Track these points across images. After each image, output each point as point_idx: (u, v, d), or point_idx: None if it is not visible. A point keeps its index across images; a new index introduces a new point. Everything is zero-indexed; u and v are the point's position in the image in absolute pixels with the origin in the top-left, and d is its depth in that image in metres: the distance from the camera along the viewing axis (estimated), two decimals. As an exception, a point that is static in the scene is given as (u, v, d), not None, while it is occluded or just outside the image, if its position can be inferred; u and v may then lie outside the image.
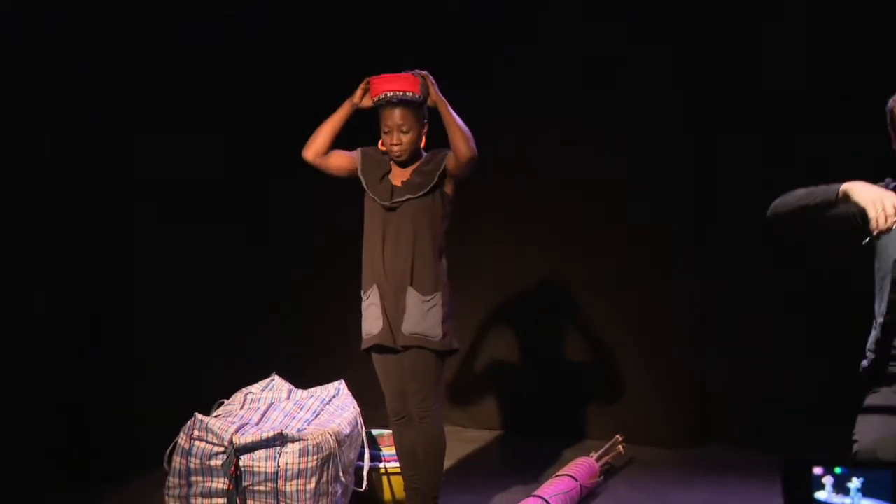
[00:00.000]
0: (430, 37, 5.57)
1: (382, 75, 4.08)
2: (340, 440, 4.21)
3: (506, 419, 5.84)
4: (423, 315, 4.04)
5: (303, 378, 4.72)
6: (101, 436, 5.12)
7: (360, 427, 4.44)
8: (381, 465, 4.53)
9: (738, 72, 5.30)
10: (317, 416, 4.39)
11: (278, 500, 4.08)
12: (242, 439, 4.08)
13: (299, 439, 4.10)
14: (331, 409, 4.45)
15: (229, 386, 4.62)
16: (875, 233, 2.92)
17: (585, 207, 5.62)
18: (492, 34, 5.67)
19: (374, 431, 4.68)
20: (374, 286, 4.13)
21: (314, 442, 4.11)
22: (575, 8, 5.52)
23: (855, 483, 2.10)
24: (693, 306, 5.55)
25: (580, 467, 4.65)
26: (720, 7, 5.30)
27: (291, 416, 4.38)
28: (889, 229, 2.91)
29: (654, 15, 5.37)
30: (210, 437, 4.11)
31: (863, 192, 2.97)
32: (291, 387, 4.59)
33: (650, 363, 5.54)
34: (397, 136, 4.07)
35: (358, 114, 4.19)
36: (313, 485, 4.09)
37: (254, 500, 4.10)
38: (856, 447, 3.07)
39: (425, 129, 4.13)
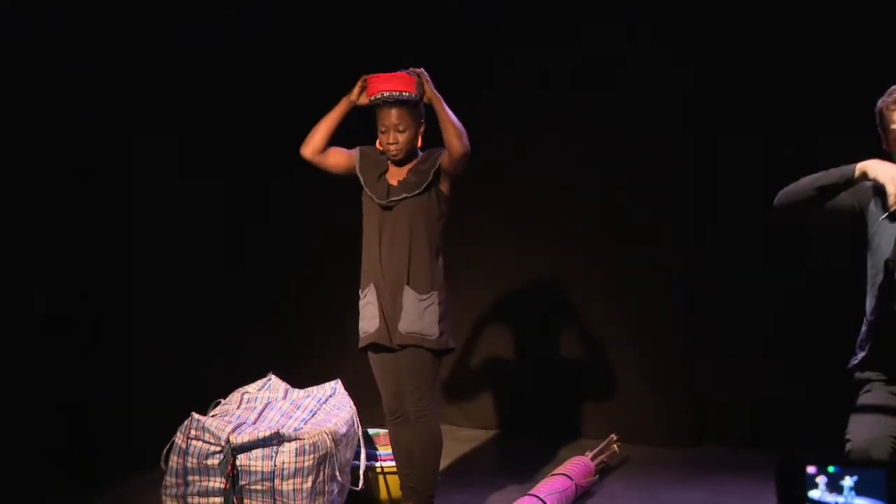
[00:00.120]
0: (430, 37, 5.55)
1: (379, 74, 4.07)
2: (337, 439, 4.20)
3: (502, 418, 5.83)
4: (419, 314, 4.03)
5: (299, 377, 4.71)
6: (99, 435, 5.11)
7: (356, 426, 4.44)
8: (378, 464, 4.53)
9: (738, 72, 5.28)
10: (313, 416, 4.38)
11: (275, 500, 4.07)
12: (239, 439, 4.07)
13: (296, 438, 4.09)
14: (327, 408, 4.44)
15: (226, 385, 4.62)
16: (893, 208, 2.96)
17: (583, 207, 5.60)
18: (492, 34, 5.65)
19: (371, 431, 4.67)
20: (372, 285, 4.13)
21: (311, 441, 4.11)
22: (575, 8, 5.50)
23: (848, 482, 2.09)
24: (689, 306, 5.54)
25: (575, 466, 4.64)
26: (720, 7, 5.28)
27: (288, 415, 4.37)
28: None
29: (654, 15, 5.35)
30: (207, 437, 4.10)
31: (880, 169, 3.02)
32: (288, 386, 4.59)
33: (645, 363, 5.53)
34: (393, 135, 4.07)
35: (356, 112, 4.18)
36: (310, 484, 4.08)
37: (250, 500, 4.09)
38: (849, 446, 3.07)
39: (422, 129, 4.12)
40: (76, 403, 5.21)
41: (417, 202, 4.07)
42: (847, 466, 2.09)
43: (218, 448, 4.08)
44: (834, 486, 2.10)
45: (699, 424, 5.55)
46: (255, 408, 4.42)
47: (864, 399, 3.18)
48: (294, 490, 4.07)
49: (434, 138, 4.15)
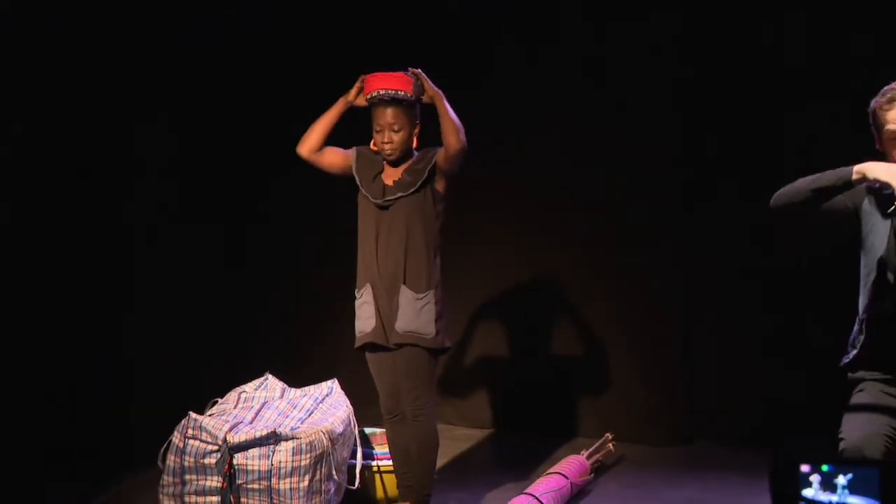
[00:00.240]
0: (430, 36, 5.55)
1: (376, 74, 4.07)
2: (333, 439, 4.20)
3: (498, 417, 5.83)
4: (416, 313, 4.03)
5: (296, 377, 4.70)
6: (97, 434, 5.09)
7: (352, 426, 4.43)
8: (374, 463, 4.52)
9: (737, 72, 5.28)
10: (310, 415, 4.38)
11: (272, 498, 4.07)
12: (236, 438, 4.07)
13: (293, 438, 4.09)
14: (324, 407, 4.44)
15: (223, 385, 4.61)
16: None
17: (580, 208, 5.60)
18: (491, 33, 5.65)
19: (367, 430, 4.66)
20: (368, 285, 4.13)
21: (307, 440, 4.10)
22: (575, 8, 5.49)
23: (842, 480, 2.09)
24: (684, 306, 5.54)
25: (571, 465, 4.64)
26: (719, 7, 5.28)
27: (285, 414, 4.37)
28: None
29: (654, 15, 5.35)
30: (204, 436, 4.10)
31: (879, 169, 3.00)
32: (285, 386, 4.58)
33: (640, 362, 5.53)
34: (388, 134, 4.07)
35: (353, 112, 4.18)
36: (306, 483, 4.08)
37: (247, 498, 4.09)
38: (842, 445, 3.06)
39: (417, 129, 4.12)
40: (74, 402, 5.19)
41: (413, 201, 4.06)
42: (841, 465, 2.09)
43: (215, 447, 4.08)
44: (828, 485, 2.10)
45: (694, 423, 5.56)
46: (252, 407, 4.41)
47: (857, 398, 3.18)
48: (291, 489, 4.07)
49: (430, 139, 4.15)
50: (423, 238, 4.07)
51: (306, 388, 4.56)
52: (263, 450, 4.07)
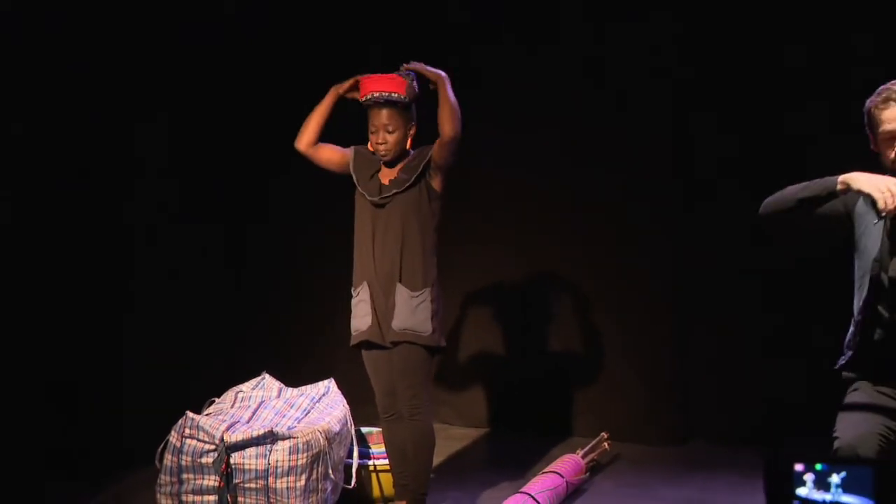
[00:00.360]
0: (429, 36, 5.53)
1: (371, 75, 4.06)
2: (330, 438, 4.19)
3: (493, 416, 5.82)
4: (412, 311, 4.02)
5: (293, 376, 4.69)
6: (95, 434, 5.08)
7: (349, 425, 4.42)
8: (370, 462, 4.51)
9: (737, 72, 5.26)
10: (307, 414, 4.37)
11: (269, 498, 4.05)
12: (233, 437, 4.05)
13: (289, 437, 4.08)
14: (321, 407, 4.42)
15: (220, 384, 4.59)
16: (884, 214, 2.95)
17: (578, 207, 5.58)
18: (492, 34, 5.62)
19: (364, 429, 4.66)
20: (364, 283, 4.12)
21: (304, 440, 4.09)
22: (575, 8, 5.47)
23: (835, 479, 2.08)
24: (678, 306, 5.53)
25: (566, 464, 4.63)
26: (719, 7, 5.27)
27: (282, 414, 4.36)
28: None
29: (654, 15, 5.33)
30: (201, 435, 4.08)
31: (863, 180, 3.00)
32: (282, 385, 4.57)
33: (636, 362, 5.51)
34: (383, 135, 4.06)
35: (352, 112, 4.15)
36: (303, 482, 4.07)
37: (244, 497, 4.07)
38: (836, 444, 3.05)
39: (412, 131, 4.11)
40: (71, 402, 5.18)
41: (409, 200, 4.05)
42: (834, 464, 2.09)
43: (212, 446, 4.06)
44: (821, 484, 2.10)
45: (689, 422, 5.54)
46: (249, 406, 4.40)
47: (851, 397, 3.17)
48: (288, 488, 4.05)
49: (426, 139, 4.13)
50: (419, 236, 4.06)
51: (303, 388, 4.55)
52: (260, 449, 4.06)
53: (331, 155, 4.19)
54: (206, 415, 4.30)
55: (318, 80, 4.23)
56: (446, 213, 4.19)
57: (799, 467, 2.11)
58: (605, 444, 5.03)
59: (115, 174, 5.47)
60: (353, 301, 4.17)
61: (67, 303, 5.24)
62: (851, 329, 3.22)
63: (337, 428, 4.27)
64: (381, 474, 4.48)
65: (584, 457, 4.80)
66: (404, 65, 4.08)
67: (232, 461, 4.04)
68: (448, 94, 4.00)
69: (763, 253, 5.09)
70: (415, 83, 4.05)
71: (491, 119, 5.53)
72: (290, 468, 4.05)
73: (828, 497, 2.08)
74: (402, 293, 4.03)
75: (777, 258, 5.08)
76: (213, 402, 4.48)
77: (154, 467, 4.15)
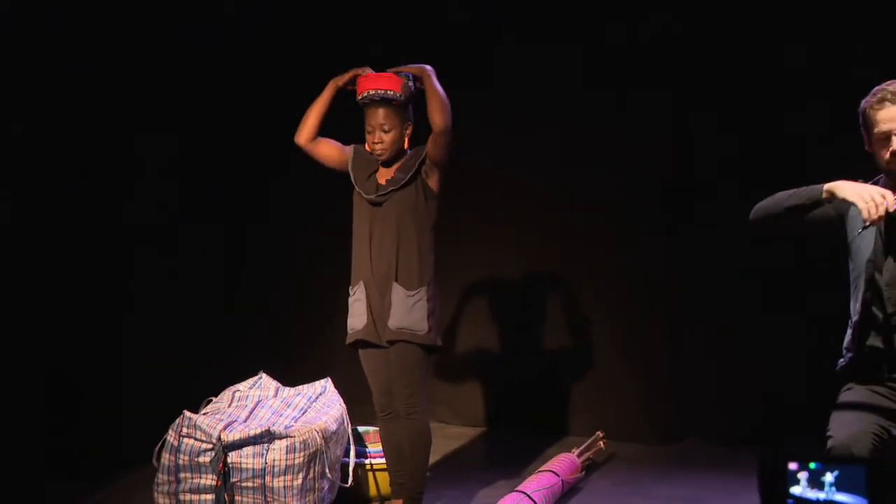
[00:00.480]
0: (428, 36, 5.52)
1: (368, 74, 4.04)
2: (327, 437, 4.17)
3: (490, 415, 5.80)
4: (408, 310, 4.00)
5: (292, 376, 4.67)
6: (92, 433, 5.06)
7: (346, 424, 4.40)
8: (367, 461, 4.49)
9: (737, 72, 5.23)
10: (304, 414, 4.35)
11: (266, 497, 4.03)
12: (230, 436, 4.03)
13: (286, 436, 4.06)
14: (317, 406, 4.41)
15: (220, 384, 4.58)
16: (868, 223, 2.94)
17: (574, 207, 5.56)
18: (492, 34, 5.60)
19: (360, 428, 4.64)
20: (361, 282, 4.10)
21: (301, 439, 4.07)
22: (574, 8, 5.44)
23: (829, 478, 2.07)
24: (675, 306, 5.51)
25: (562, 463, 4.61)
26: (718, 7, 5.24)
27: (279, 413, 4.34)
28: (881, 218, 2.93)
29: (654, 15, 5.30)
30: (198, 434, 4.07)
31: (848, 189, 3.00)
32: (279, 384, 4.55)
33: (631, 361, 5.50)
34: (379, 135, 4.04)
35: (351, 112, 4.14)
36: (300, 481, 4.05)
37: (242, 496, 4.05)
38: (830, 443, 3.03)
39: (409, 130, 4.09)
40: (72, 402, 5.16)
41: (405, 199, 4.03)
42: (828, 463, 2.08)
43: (209, 446, 4.04)
44: (815, 482, 2.09)
45: (684, 422, 5.52)
46: (246, 406, 4.38)
47: (845, 396, 3.15)
48: (284, 487, 4.03)
49: (423, 140, 4.11)
50: (416, 236, 4.04)
51: (300, 387, 4.53)
52: (257, 448, 4.04)
53: (330, 151, 4.17)
54: (204, 414, 4.28)
55: (317, 80, 4.22)
56: (444, 212, 4.17)
57: (793, 466, 2.10)
58: (601, 442, 5.01)
59: (115, 174, 5.46)
60: (350, 300, 4.16)
61: (67, 303, 5.23)
62: (849, 331, 3.20)
63: (334, 427, 4.25)
64: (377, 473, 4.47)
65: (579, 456, 4.79)
66: (404, 67, 4.06)
67: (229, 460, 4.02)
68: (434, 85, 3.98)
69: (762, 253, 5.06)
70: (411, 82, 4.03)
71: (491, 119, 5.52)
72: (287, 467, 4.03)
73: (822, 496, 2.07)
74: (398, 292, 4.01)
75: (776, 258, 5.05)
76: (211, 401, 4.46)
77: (151, 466, 4.13)
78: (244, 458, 4.03)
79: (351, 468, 4.34)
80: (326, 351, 5.47)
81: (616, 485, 4.81)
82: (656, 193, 5.41)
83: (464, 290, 5.71)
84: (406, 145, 4.10)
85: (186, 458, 4.05)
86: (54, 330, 5.16)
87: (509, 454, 5.20)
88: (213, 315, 5.78)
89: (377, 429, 4.35)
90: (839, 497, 2.06)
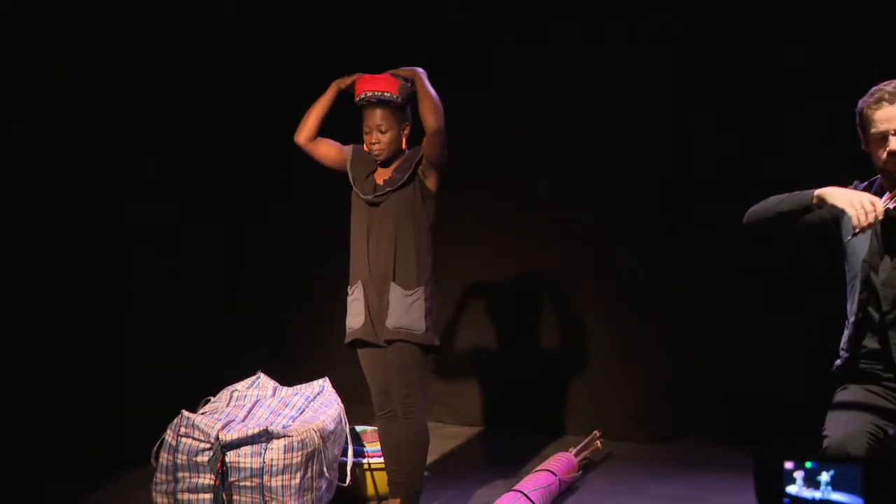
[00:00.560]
0: (430, 36, 5.51)
1: (365, 76, 4.03)
2: (325, 436, 4.15)
3: (487, 415, 5.79)
4: (405, 309, 3.99)
5: (292, 376, 4.65)
6: (91, 432, 5.04)
7: (343, 423, 4.39)
8: (365, 460, 4.48)
9: (736, 72, 5.21)
10: (301, 413, 4.34)
11: (264, 496, 4.01)
12: (228, 436, 4.02)
13: (284, 436, 4.04)
14: (315, 405, 4.39)
15: (217, 384, 4.56)
16: (857, 230, 2.93)
17: (574, 207, 5.54)
18: (492, 34, 5.58)
19: (358, 428, 4.62)
20: (359, 282, 4.10)
21: (299, 438, 4.05)
22: (575, 8, 5.42)
23: (825, 477, 2.06)
24: (669, 306, 5.49)
25: (559, 462, 4.60)
26: (718, 8, 5.22)
27: (277, 412, 4.32)
28: (870, 225, 2.92)
29: (654, 15, 5.29)
30: (197, 434, 4.05)
31: (838, 195, 2.99)
32: (277, 384, 4.54)
33: (628, 361, 5.49)
34: (376, 135, 4.04)
35: (350, 112, 4.13)
36: (298, 480, 4.03)
37: (240, 496, 4.04)
38: (826, 442, 3.02)
39: (407, 131, 4.08)
40: (72, 402, 5.15)
41: (403, 199, 4.02)
42: (824, 462, 2.06)
43: (207, 445, 4.03)
44: (811, 482, 2.07)
45: (680, 421, 5.51)
46: (244, 405, 4.37)
47: (841, 396, 3.14)
48: (282, 486, 4.01)
49: (421, 141, 4.09)
50: (413, 236, 4.03)
51: (298, 387, 4.52)
52: (255, 447, 4.03)
53: (329, 151, 4.17)
54: (202, 413, 4.27)
55: (317, 81, 4.21)
56: (443, 212, 4.16)
57: (789, 465, 2.08)
58: (598, 442, 5.01)
59: (115, 174, 5.44)
60: (349, 300, 4.15)
61: (67, 303, 5.21)
62: (845, 332, 3.19)
63: (331, 426, 4.24)
64: (375, 472, 4.46)
65: (576, 455, 4.77)
66: (401, 69, 4.05)
67: (227, 459, 4.01)
68: (426, 87, 3.98)
69: (761, 253, 5.04)
70: (409, 83, 4.02)
71: (491, 118, 5.50)
72: (284, 466, 4.01)
73: (817, 495, 2.05)
74: (395, 292, 4.00)
75: (774, 258, 5.04)
76: (209, 400, 4.45)
77: (150, 466, 4.12)
78: (242, 458, 4.02)
79: (349, 467, 4.32)
80: (325, 351, 5.45)
81: (613, 484, 4.80)
82: (656, 193, 5.40)
83: (462, 290, 5.70)
84: (404, 146, 4.09)
85: (185, 457, 4.04)
86: (54, 330, 5.14)
87: (507, 454, 5.19)
88: (212, 315, 5.76)
89: (375, 428, 4.34)
90: (835, 496, 2.04)
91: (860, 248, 3.11)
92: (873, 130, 3.09)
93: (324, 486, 4.17)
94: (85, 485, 4.68)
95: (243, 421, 4.22)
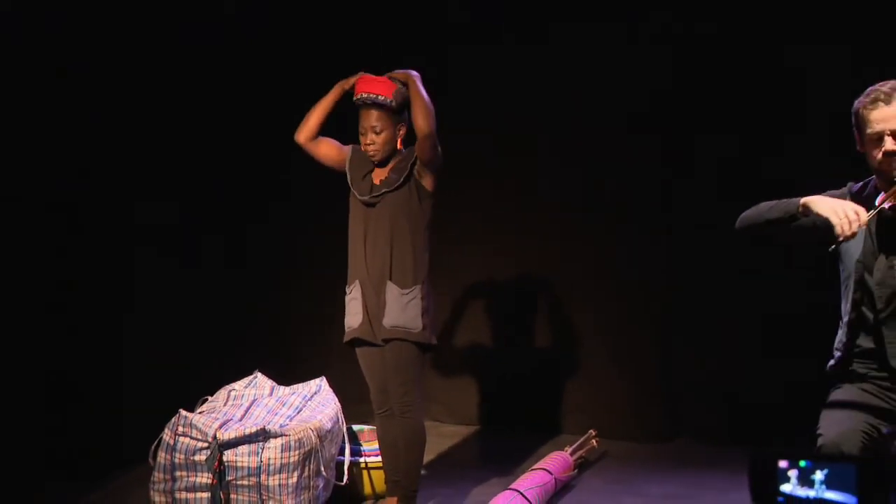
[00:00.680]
0: (429, 36, 5.48)
1: (366, 76, 4.02)
2: (322, 435, 4.14)
3: (484, 414, 5.76)
4: (402, 308, 3.97)
5: (291, 376, 4.63)
6: (89, 431, 5.03)
7: (340, 422, 4.37)
8: (362, 459, 4.46)
9: (736, 72, 5.19)
10: (299, 412, 4.32)
11: (261, 495, 3.99)
12: (226, 435, 4.00)
13: (281, 435, 4.03)
14: (312, 405, 4.37)
15: (213, 383, 4.54)
16: (840, 239, 2.93)
17: (572, 207, 5.51)
18: (492, 34, 5.55)
19: (355, 427, 4.60)
20: (357, 281, 4.09)
21: (296, 437, 4.04)
22: (574, 8, 5.40)
23: (819, 476, 2.05)
24: (664, 305, 5.47)
25: (555, 461, 4.58)
26: (718, 8, 5.20)
27: (274, 412, 4.31)
28: (854, 235, 2.92)
29: (653, 15, 5.26)
30: (194, 433, 4.03)
31: (822, 204, 2.99)
32: (274, 383, 4.52)
33: (623, 361, 5.47)
34: (371, 136, 4.03)
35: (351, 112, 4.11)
36: (295, 479, 4.01)
37: (237, 494, 4.02)
38: (820, 441, 3.01)
39: (402, 131, 4.06)
40: (71, 402, 5.13)
41: (398, 199, 4.01)
42: (818, 461, 2.05)
43: (205, 444, 4.01)
44: (805, 480, 2.06)
45: (675, 420, 5.48)
46: (241, 405, 4.35)
47: (835, 395, 3.13)
48: (280, 485, 3.99)
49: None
50: (409, 235, 4.01)
51: (295, 386, 4.50)
52: (253, 446, 4.01)
53: (329, 150, 4.15)
54: (200, 413, 4.25)
55: (317, 81, 4.20)
56: (442, 212, 4.15)
57: (783, 464, 2.07)
58: (593, 441, 4.99)
59: (115, 174, 5.42)
60: (347, 299, 4.14)
61: (67, 303, 5.19)
62: (840, 331, 3.18)
63: (329, 425, 4.22)
64: (372, 471, 4.45)
65: (572, 454, 4.76)
66: (398, 72, 4.03)
67: (225, 458, 3.99)
68: (419, 91, 3.96)
69: (760, 253, 5.02)
70: (404, 87, 4.00)
71: (490, 118, 5.48)
72: (282, 465, 3.99)
73: (811, 493, 2.04)
74: (392, 291, 3.99)
75: (772, 259, 5.01)
76: (206, 400, 4.44)
77: (148, 465, 4.09)
78: (240, 457, 4.00)
79: (346, 466, 4.31)
80: (325, 350, 5.43)
81: (608, 483, 4.78)
82: (656, 193, 5.37)
83: (460, 290, 5.68)
84: (399, 146, 4.08)
85: (182, 456, 4.02)
86: (54, 330, 5.12)
87: (503, 452, 5.17)
88: (212, 315, 5.74)
89: (372, 427, 4.33)
90: (829, 495, 2.03)
91: (854, 248, 3.10)
92: (869, 131, 3.07)
93: (321, 485, 4.15)
94: (84, 484, 4.65)
95: (241, 420, 4.20)
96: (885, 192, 3.03)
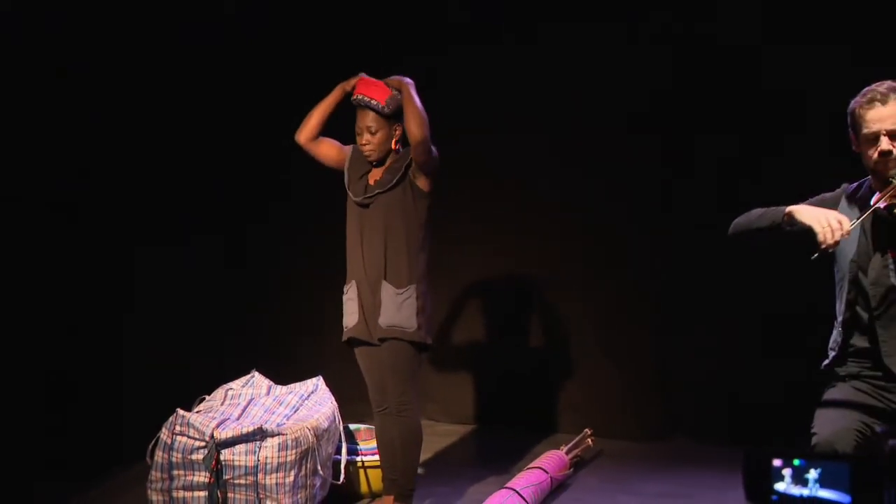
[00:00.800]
0: (429, 36, 5.46)
1: (365, 78, 4.02)
2: (318, 434, 4.12)
3: (480, 413, 5.74)
4: (397, 307, 3.96)
5: (288, 375, 4.61)
6: (87, 430, 5.01)
7: (337, 422, 4.35)
8: (358, 458, 4.44)
9: (735, 72, 5.16)
10: (295, 412, 4.30)
11: (258, 493, 3.97)
12: (223, 434, 3.98)
13: (278, 434, 4.01)
14: (309, 404, 4.35)
15: (210, 382, 4.52)
16: (823, 247, 2.93)
17: (571, 207, 5.49)
18: (492, 34, 5.53)
19: (352, 426, 4.59)
20: (353, 281, 4.08)
21: (293, 436, 4.01)
22: (575, 8, 5.37)
23: (813, 474, 2.04)
24: (661, 305, 5.45)
25: (551, 460, 4.57)
26: (718, 8, 5.17)
27: (271, 411, 4.28)
28: (836, 244, 2.93)
29: (653, 15, 5.24)
30: (191, 432, 4.01)
31: (806, 213, 3.00)
32: (271, 383, 4.51)
33: (621, 360, 5.45)
34: (366, 136, 4.03)
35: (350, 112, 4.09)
36: (292, 478, 3.99)
37: (234, 493, 4.00)
38: (814, 440, 3.00)
39: (398, 132, 4.04)
40: (71, 401, 5.11)
41: (393, 199, 4.00)
42: (812, 459, 2.04)
43: (202, 443, 3.99)
44: (799, 479, 2.05)
45: (671, 419, 5.46)
46: (238, 404, 4.33)
47: (829, 394, 3.12)
48: (277, 484, 3.97)
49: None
50: (404, 234, 4.00)
51: (292, 385, 4.49)
52: (250, 446, 3.99)
53: (329, 151, 4.15)
54: (197, 412, 4.23)
55: (317, 81, 4.18)
56: (440, 212, 4.13)
57: (777, 462, 2.06)
58: (589, 440, 4.98)
59: (116, 174, 5.40)
60: (344, 299, 4.13)
61: (67, 303, 5.17)
62: (834, 331, 3.18)
63: (325, 424, 4.20)
64: (369, 470, 4.43)
65: (568, 453, 4.74)
66: (395, 77, 4.01)
67: (222, 457, 3.97)
68: (412, 98, 3.95)
69: (760, 254, 4.99)
70: (398, 94, 3.98)
71: (490, 118, 5.46)
72: (279, 464, 3.97)
73: (805, 492, 2.03)
74: (387, 290, 3.98)
75: (770, 259, 4.98)
76: (204, 399, 4.43)
77: (145, 464, 4.07)
78: (237, 456, 3.98)
79: (342, 465, 4.29)
80: (323, 350, 5.41)
81: (604, 481, 4.76)
82: (656, 193, 5.35)
83: (457, 289, 5.66)
84: (394, 146, 4.06)
85: (180, 455, 4.00)
86: (54, 330, 5.10)
87: (499, 451, 5.16)
88: (212, 315, 5.72)
89: (368, 426, 4.31)
90: (823, 493, 2.02)
91: (849, 248, 3.09)
92: (865, 131, 3.06)
93: (318, 484, 4.14)
94: (83, 483, 4.63)
95: (238, 419, 4.18)
96: (880, 191, 3.02)
